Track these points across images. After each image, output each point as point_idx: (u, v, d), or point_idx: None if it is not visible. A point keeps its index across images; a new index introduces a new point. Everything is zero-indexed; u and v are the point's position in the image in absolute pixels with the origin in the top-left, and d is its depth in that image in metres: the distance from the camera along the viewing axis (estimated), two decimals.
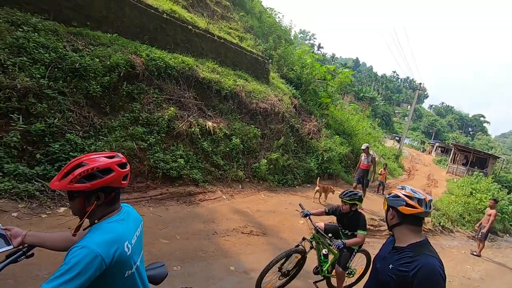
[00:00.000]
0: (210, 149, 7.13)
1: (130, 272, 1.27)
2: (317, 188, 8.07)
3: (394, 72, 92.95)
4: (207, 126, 7.31)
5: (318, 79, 16.09)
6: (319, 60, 19.90)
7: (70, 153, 4.62)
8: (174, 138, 6.59)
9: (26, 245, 1.42)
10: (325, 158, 10.99)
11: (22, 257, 1.41)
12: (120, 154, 1.35)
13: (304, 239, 3.50)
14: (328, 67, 16.81)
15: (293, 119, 11.10)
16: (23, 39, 4.96)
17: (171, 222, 4.74)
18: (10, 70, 4.55)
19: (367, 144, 8.36)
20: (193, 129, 6.91)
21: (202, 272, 3.70)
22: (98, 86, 5.60)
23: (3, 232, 1.41)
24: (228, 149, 7.62)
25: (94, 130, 5.33)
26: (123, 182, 1.31)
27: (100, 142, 5.14)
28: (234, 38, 12.48)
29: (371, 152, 8.67)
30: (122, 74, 6.13)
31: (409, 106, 68.56)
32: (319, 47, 70.99)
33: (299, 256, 3.46)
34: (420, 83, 27.62)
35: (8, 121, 4.31)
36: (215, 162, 7.13)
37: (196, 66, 8.21)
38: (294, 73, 14.46)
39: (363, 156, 8.29)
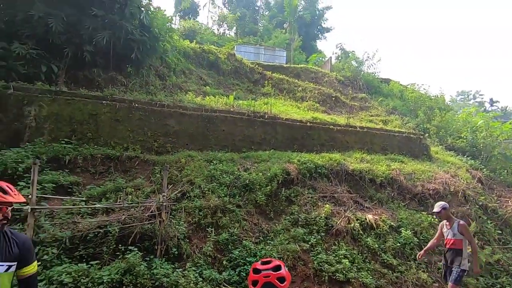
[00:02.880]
0: (376, 245, 6.32)
1: None
2: None
3: None
4: (367, 220, 6.74)
5: (505, 139, 12.54)
6: (497, 118, 15.93)
7: (247, 258, 5.27)
8: (334, 236, 6.37)
9: None
10: None
11: None
12: (271, 262, 1.53)
13: None
14: None
15: (482, 197, 8.58)
16: (213, 170, 6.83)
17: None
18: (206, 194, 6.20)
19: (443, 203, 4.82)
20: (352, 224, 6.53)
21: None
22: (263, 195, 6.59)
23: None
24: (398, 244, 6.50)
25: (263, 235, 6.00)
26: (251, 286, 1.49)
27: (268, 246, 5.65)
28: (377, 124, 12.31)
29: (454, 217, 4.99)
30: (280, 181, 7.04)
31: None
32: (493, 102, 57.47)
33: None
34: None
35: (205, 234, 5.59)
36: (386, 261, 6.13)
37: (344, 159, 8.38)
38: (464, 141, 12.01)
39: (444, 226, 4.86)
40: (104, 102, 7.42)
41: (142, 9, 9.51)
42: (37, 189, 4.23)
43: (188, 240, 5.36)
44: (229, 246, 5.49)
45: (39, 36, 7.81)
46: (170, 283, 4.48)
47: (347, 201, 7.30)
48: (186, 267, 4.90)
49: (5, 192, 1.65)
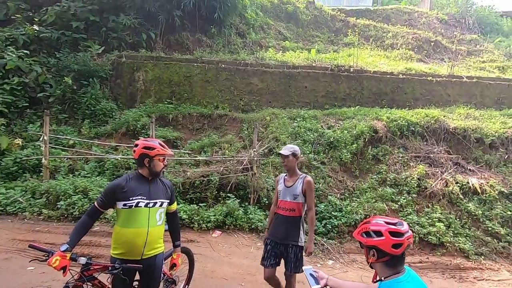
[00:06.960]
0: (480, 212, 5.69)
1: None
2: None
3: None
4: (470, 184, 6.03)
5: None
6: None
7: (332, 212, 5.46)
8: (428, 198, 5.97)
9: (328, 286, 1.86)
10: None
11: None
12: (403, 223, 1.51)
13: None
14: None
15: None
16: (297, 127, 6.94)
17: None
18: None
19: (296, 147, 3.01)
20: (450, 187, 5.96)
21: None
22: (348, 154, 6.47)
23: (314, 274, 1.95)
24: (510, 212, 5.71)
25: (348, 192, 6.04)
26: (392, 249, 1.43)
27: (354, 203, 5.70)
28: (492, 71, 10.15)
29: (300, 171, 3.06)
30: (366, 139, 6.73)
31: None
32: None
33: None
34: None
35: None
36: (491, 229, 5.52)
37: (443, 116, 7.39)
38: None
39: (282, 180, 3.03)
40: (195, 64, 8.04)
41: None
42: None
43: None
44: (315, 200, 5.74)
45: (137, 6, 8.67)
46: (263, 227, 5.05)
47: (445, 163, 6.59)
48: None
49: (164, 147, 2.12)
